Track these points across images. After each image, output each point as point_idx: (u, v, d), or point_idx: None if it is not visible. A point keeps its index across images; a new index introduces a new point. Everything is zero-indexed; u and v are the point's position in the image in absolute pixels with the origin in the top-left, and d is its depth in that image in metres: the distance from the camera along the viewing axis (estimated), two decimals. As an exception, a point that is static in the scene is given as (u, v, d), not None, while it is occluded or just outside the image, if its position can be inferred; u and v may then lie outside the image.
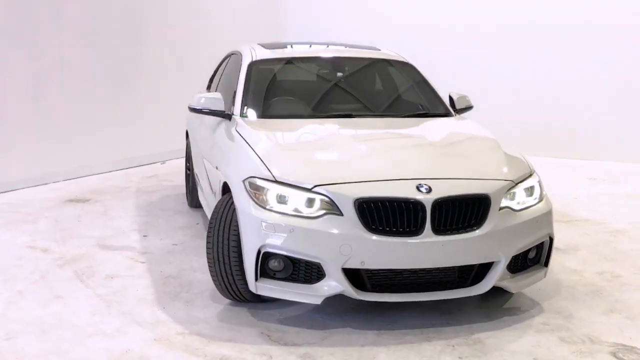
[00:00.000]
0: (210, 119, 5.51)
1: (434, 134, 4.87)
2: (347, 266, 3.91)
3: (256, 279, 4.07)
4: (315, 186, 3.96)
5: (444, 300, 4.22)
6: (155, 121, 9.63)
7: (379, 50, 6.09)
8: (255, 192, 4.09)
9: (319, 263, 3.94)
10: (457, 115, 5.47)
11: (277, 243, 3.96)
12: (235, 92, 5.28)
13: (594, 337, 4.04)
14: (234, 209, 4.22)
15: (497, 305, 4.46)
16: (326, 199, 3.93)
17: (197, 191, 6.67)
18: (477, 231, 3.99)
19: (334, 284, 3.96)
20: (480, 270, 4.13)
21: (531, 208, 4.24)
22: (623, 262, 5.37)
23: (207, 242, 4.34)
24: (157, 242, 5.87)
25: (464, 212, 3.99)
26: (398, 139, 4.82)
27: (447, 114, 5.42)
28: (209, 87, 6.91)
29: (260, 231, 3.98)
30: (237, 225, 4.20)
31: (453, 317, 4.27)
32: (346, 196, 3.91)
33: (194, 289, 4.76)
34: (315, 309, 4.37)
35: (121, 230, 6.23)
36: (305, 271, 4.03)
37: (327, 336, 4.03)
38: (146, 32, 9.48)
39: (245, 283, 4.23)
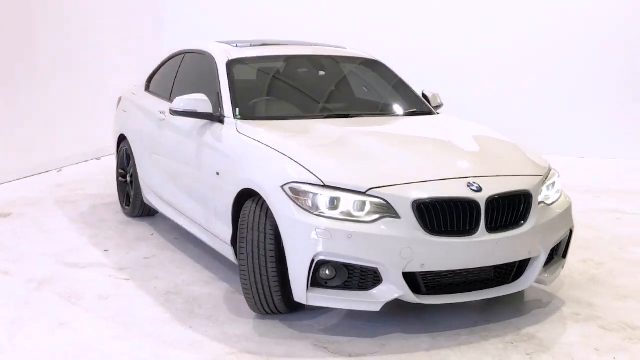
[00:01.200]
0: (183, 122, 5.17)
1: (452, 133, 4.84)
2: (407, 270, 3.82)
3: (307, 289, 3.86)
4: (370, 189, 3.83)
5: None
6: (46, 127, 8.90)
7: (345, 48, 5.99)
8: (297, 197, 3.89)
9: (376, 268, 3.81)
10: (440, 114, 5.49)
11: (333, 250, 3.79)
12: (219, 94, 4.98)
13: (629, 323, 4.21)
14: (268, 217, 4.00)
15: (518, 300, 4.52)
16: (382, 202, 3.81)
17: (140, 200, 6.25)
18: (523, 227, 4.03)
19: (392, 289, 3.85)
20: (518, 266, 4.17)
21: (557, 202, 4.34)
22: (597, 250, 5.64)
23: (240, 254, 4.08)
24: (125, 256, 5.45)
25: (512, 209, 4.01)
26: (424, 139, 4.76)
27: (430, 112, 5.43)
28: (147, 89, 6.47)
29: (313, 238, 3.79)
30: (273, 234, 3.98)
31: (489, 314, 4.29)
32: (404, 198, 3.81)
33: (206, 304, 4.46)
34: (350, 315, 4.24)
35: (73, 245, 5.72)
36: (360, 278, 3.88)
37: (384, 343, 3.91)
38: (34, 34, 8.72)
39: (283, 295, 4.04)
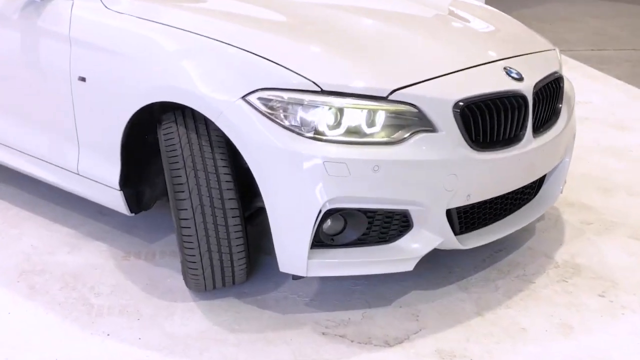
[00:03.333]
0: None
1: (434, 4, 3.47)
2: (451, 206, 2.58)
3: (308, 255, 2.49)
4: (394, 92, 2.47)
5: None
6: None
7: None
8: (273, 113, 2.43)
9: (407, 210, 2.53)
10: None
11: (352, 192, 2.44)
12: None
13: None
14: (215, 146, 2.52)
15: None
16: (411, 109, 2.48)
17: None
18: (560, 123, 2.97)
19: (427, 237, 2.62)
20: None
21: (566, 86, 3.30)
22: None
23: (181, 210, 2.55)
24: None
25: (549, 100, 2.92)
26: (415, 15, 3.30)
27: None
28: None
29: (319, 178, 2.39)
30: (230, 172, 2.52)
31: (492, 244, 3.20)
32: (443, 100, 2.52)
33: (102, 287, 2.89)
34: (329, 280, 2.91)
35: None
36: (381, 227, 2.58)
37: (415, 313, 2.72)
38: None
39: (248, 263, 2.64)
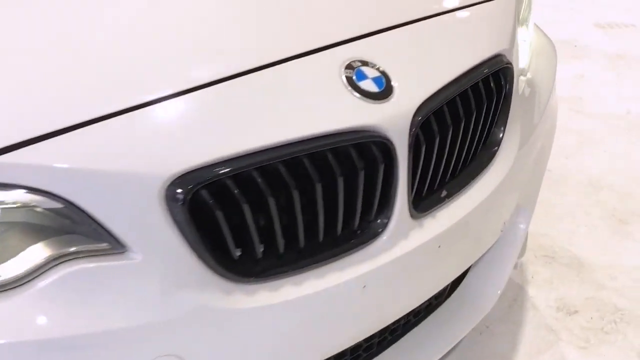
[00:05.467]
0: None
1: None
2: None
3: None
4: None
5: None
6: None
7: None
8: None
9: None
10: None
11: None
12: None
13: None
14: None
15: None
16: (47, 203, 0.88)
17: None
18: (496, 163, 1.35)
19: None
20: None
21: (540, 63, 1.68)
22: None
23: None
24: None
25: (473, 123, 1.29)
26: None
27: None
28: None
29: None
30: None
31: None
32: (136, 178, 0.91)
33: None
34: None
35: None
36: None
37: None
38: None
39: None
